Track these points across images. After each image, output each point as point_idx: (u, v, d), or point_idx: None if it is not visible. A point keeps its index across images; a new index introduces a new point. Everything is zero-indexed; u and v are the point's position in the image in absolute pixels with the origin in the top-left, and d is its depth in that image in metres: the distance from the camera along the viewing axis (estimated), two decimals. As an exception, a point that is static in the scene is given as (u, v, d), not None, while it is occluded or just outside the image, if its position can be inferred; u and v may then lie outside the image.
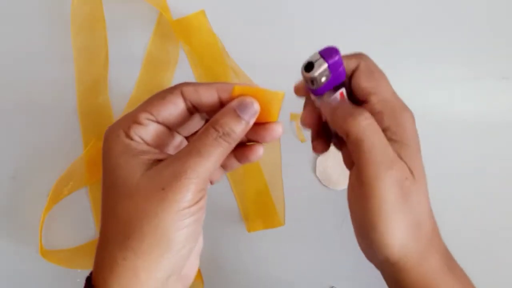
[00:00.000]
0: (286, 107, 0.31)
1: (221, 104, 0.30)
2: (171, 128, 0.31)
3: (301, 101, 0.35)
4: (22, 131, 0.48)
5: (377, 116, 0.30)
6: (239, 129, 0.28)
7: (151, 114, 0.29)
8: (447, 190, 0.48)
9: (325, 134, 0.34)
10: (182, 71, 0.48)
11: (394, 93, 0.32)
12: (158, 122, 0.30)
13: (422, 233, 0.30)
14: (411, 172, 0.29)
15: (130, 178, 0.27)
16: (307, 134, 0.41)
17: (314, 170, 0.48)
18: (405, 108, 0.31)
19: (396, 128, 0.30)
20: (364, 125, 0.28)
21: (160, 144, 0.30)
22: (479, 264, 0.48)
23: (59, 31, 0.48)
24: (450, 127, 0.48)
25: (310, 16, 0.49)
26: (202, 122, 0.33)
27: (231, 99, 0.29)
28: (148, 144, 0.29)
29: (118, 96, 0.48)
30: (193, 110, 0.30)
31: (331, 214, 0.47)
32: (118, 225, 0.27)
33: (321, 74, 0.30)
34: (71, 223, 0.47)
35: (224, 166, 0.33)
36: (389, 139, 0.30)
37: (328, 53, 0.30)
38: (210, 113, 0.30)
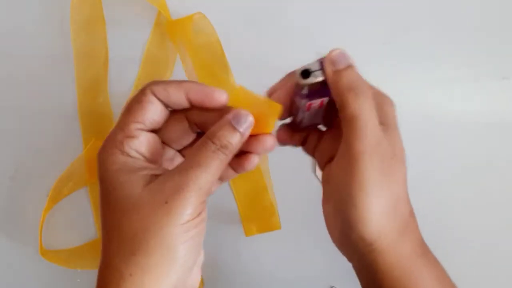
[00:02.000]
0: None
1: (190, 104, 0.30)
2: (162, 139, 0.31)
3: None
4: (22, 131, 0.48)
5: None
6: (235, 140, 0.29)
7: (138, 122, 0.29)
8: (447, 190, 0.48)
9: (295, 129, 0.34)
10: (181, 70, 0.48)
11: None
12: (147, 131, 0.30)
13: (399, 214, 0.30)
14: (393, 152, 0.30)
15: (132, 193, 0.27)
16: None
17: (313, 170, 0.48)
18: (385, 94, 0.32)
19: (380, 111, 0.30)
20: (363, 104, 0.29)
21: (155, 155, 0.30)
22: (479, 263, 0.48)
23: (59, 31, 0.48)
24: (450, 127, 0.48)
25: (309, 16, 0.49)
26: (193, 135, 0.33)
27: (232, 101, 0.30)
28: (144, 156, 0.29)
29: (118, 95, 0.48)
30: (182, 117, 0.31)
31: (331, 214, 0.47)
32: (123, 241, 0.27)
33: (316, 84, 0.30)
34: (71, 223, 0.47)
35: (220, 176, 0.33)
36: None
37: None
38: (200, 125, 0.31)
